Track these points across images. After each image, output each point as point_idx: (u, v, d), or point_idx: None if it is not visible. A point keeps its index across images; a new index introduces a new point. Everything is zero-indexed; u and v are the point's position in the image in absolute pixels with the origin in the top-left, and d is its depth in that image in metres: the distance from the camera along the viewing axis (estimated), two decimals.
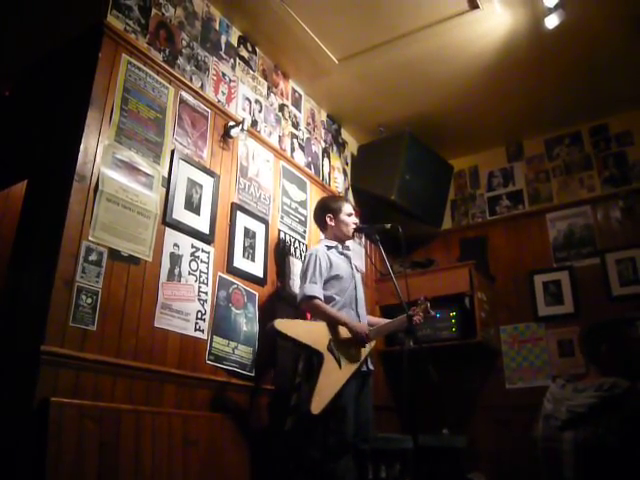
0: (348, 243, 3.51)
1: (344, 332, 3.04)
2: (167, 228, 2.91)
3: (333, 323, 3.04)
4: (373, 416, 3.19)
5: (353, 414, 2.92)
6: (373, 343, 3.21)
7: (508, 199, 5.05)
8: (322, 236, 3.59)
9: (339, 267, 3.25)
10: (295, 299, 3.31)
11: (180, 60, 3.27)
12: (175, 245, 2.93)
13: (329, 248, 3.32)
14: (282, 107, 4.16)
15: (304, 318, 3.36)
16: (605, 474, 2.10)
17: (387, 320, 3.35)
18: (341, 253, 3.37)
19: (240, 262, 3.34)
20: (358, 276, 3.43)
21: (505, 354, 4.59)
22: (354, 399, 2.98)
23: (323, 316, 3.06)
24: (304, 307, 3.17)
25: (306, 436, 2.89)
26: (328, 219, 3.44)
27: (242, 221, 3.44)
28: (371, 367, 3.20)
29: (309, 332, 2.96)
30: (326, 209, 3.49)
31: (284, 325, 2.90)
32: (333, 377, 2.87)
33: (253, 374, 3.22)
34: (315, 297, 3.08)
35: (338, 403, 2.86)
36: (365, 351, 3.10)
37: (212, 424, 2.85)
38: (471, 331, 4.30)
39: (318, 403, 2.72)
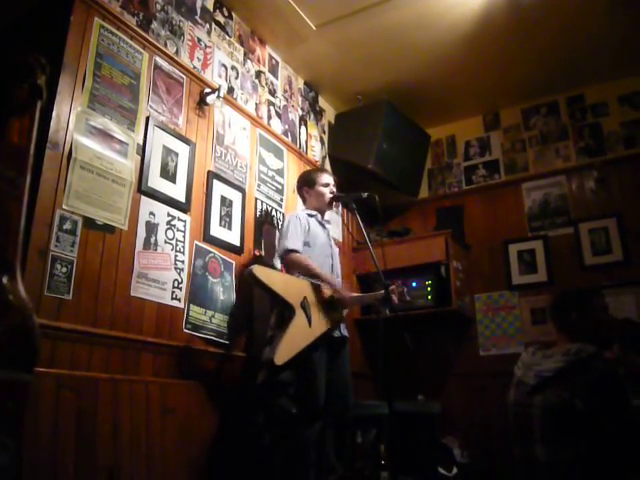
0: (327, 217, 3.53)
1: (320, 294, 3.06)
2: (142, 196, 2.88)
3: (313, 277, 3.07)
4: (352, 383, 3.23)
5: (324, 381, 2.95)
6: (346, 310, 3.24)
7: (484, 168, 5.08)
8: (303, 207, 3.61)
9: (316, 235, 3.28)
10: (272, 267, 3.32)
11: (154, 25, 3.20)
12: (151, 214, 2.90)
13: (310, 216, 3.34)
14: (259, 74, 4.10)
15: None
16: (571, 436, 2.17)
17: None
18: (320, 223, 3.38)
19: (217, 231, 3.33)
20: (336, 249, 3.47)
21: (479, 322, 4.66)
22: (329, 366, 3.01)
23: (304, 269, 3.08)
24: (285, 261, 3.17)
25: (277, 388, 2.91)
26: (304, 192, 3.53)
27: (218, 189, 3.42)
28: (345, 333, 3.22)
29: (285, 284, 2.96)
30: (302, 182, 3.58)
31: (262, 272, 2.90)
32: (301, 333, 2.87)
33: (229, 342, 3.24)
34: (296, 250, 3.11)
35: (307, 368, 2.89)
36: (338, 316, 3.13)
37: (189, 392, 2.87)
38: (446, 299, 4.36)
39: (282, 354, 2.73)
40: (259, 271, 2.87)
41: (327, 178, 3.49)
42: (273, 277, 2.98)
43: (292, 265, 3.15)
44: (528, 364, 2.44)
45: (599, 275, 4.18)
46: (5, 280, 0.47)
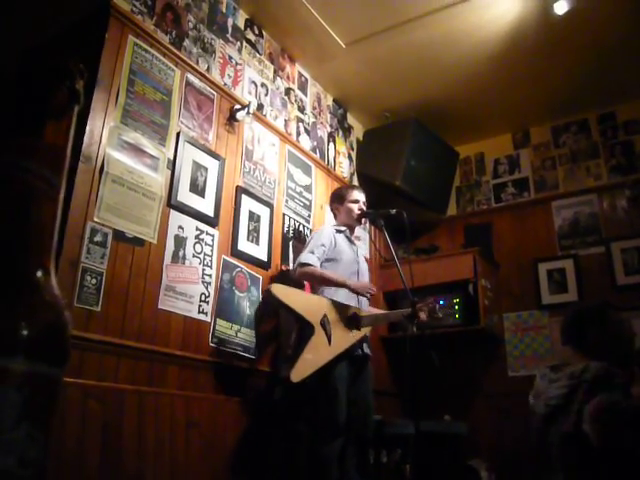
0: (357, 234, 3.53)
1: (341, 312, 3.04)
2: (172, 210, 2.91)
3: (332, 285, 3.06)
4: (374, 401, 3.20)
5: (345, 398, 2.92)
6: (369, 328, 3.22)
7: (514, 186, 5.03)
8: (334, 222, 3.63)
9: (342, 250, 3.27)
10: (298, 283, 3.32)
11: (186, 42, 3.26)
12: (180, 227, 2.93)
13: (338, 231, 3.34)
14: (288, 91, 4.14)
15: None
16: (588, 464, 2.09)
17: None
18: (348, 239, 3.38)
19: (244, 245, 3.35)
20: (364, 265, 3.45)
21: (508, 342, 4.59)
22: (350, 383, 2.98)
23: (319, 280, 3.08)
24: (297, 275, 3.15)
25: (294, 408, 2.90)
26: (334, 208, 3.55)
27: (247, 204, 3.44)
28: (367, 351, 3.19)
29: (304, 303, 2.97)
30: (333, 199, 3.60)
31: (280, 291, 2.90)
32: (320, 351, 2.86)
33: (255, 357, 3.24)
34: (309, 264, 3.09)
35: (329, 384, 2.87)
36: (359, 334, 3.10)
37: (214, 406, 2.87)
38: (474, 318, 4.31)
39: (298, 372, 2.72)
40: (277, 290, 2.87)
41: (356, 195, 3.48)
42: (292, 295, 2.98)
43: (306, 278, 3.15)
44: (538, 391, 2.34)
45: (631, 295, 4.09)
46: (39, 275, 0.48)
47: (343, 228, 3.40)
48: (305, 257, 3.12)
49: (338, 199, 3.51)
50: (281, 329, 3.43)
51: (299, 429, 2.89)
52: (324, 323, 2.92)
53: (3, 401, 0.43)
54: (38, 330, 0.47)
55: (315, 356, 2.83)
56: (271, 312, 3.40)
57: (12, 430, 0.43)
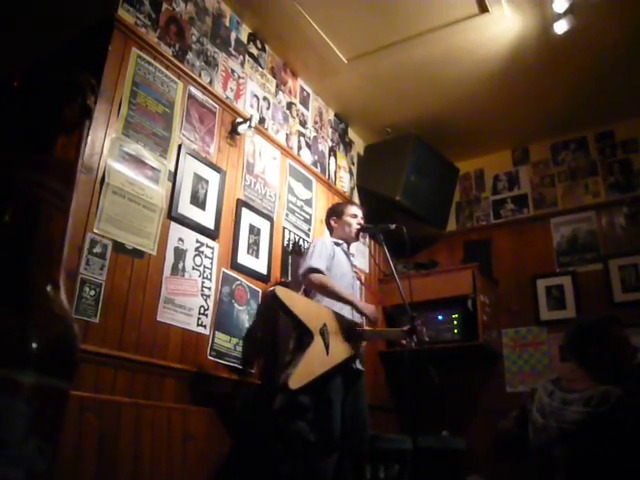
0: (352, 250, 3.54)
1: (340, 324, 3.03)
2: (172, 222, 2.91)
3: (339, 299, 3.04)
4: (369, 417, 3.18)
5: (340, 412, 2.90)
6: (364, 343, 3.21)
7: (513, 203, 5.05)
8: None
9: (340, 263, 3.26)
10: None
11: (190, 55, 3.28)
12: (180, 240, 2.93)
13: (336, 244, 3.34)
14: (290, 105, 4.16)
15: None
16: None
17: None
18: (345, 253, 3.38)
19: (244, 258, 3.35)
20: (357, 282, 3.46)
21: (506, 357, 4.59)
22: (344, 398, 2.96)
23: (329, 291, 3.04)
24: (307, 280, 3.09)
25: (294, 413, 2.87)
26: (332, 222, 3.55)
27: (247, 218, 3.44)
28: (360, 367, 3.16)
29: (306, 308, 2.94)
30: (330, 213, 3.61)
31: (284, 293, 2.87)
32: (318, 360, 2.83)
33: (254, 370, 3.22)
34: (320, 270, 3.07)
35: (323, 397, 2.85)
36: (356, 348, 3.09)
37: (211, 419, 2.85)
38: (473, 333, 4.30)
39: (297, 379, 2.68)
40: (281, 292, 2.86)
41: (355, 210, 3.51)
42: (295, 300, 2.96)
43: (314, 285, 3.08)
44: (549, 411, 2.29)
45: (629, 312, 4.07)
46: (49, 289, 0.49)
47: (340, 242, 3.41)
48: (314, 262, 3.08)
49: (336, 213, 3.53)
50: (279, 338, 3.42)
51: (303, 433, 2.86)
52: (323, 332, 2.90)
53: (13, 414, 0.42)
54: (48, 343, 0.47)
55: (313, 364, 2.79)
56: (269, 321, 3.39)
57: (21, 443, 0.43)
